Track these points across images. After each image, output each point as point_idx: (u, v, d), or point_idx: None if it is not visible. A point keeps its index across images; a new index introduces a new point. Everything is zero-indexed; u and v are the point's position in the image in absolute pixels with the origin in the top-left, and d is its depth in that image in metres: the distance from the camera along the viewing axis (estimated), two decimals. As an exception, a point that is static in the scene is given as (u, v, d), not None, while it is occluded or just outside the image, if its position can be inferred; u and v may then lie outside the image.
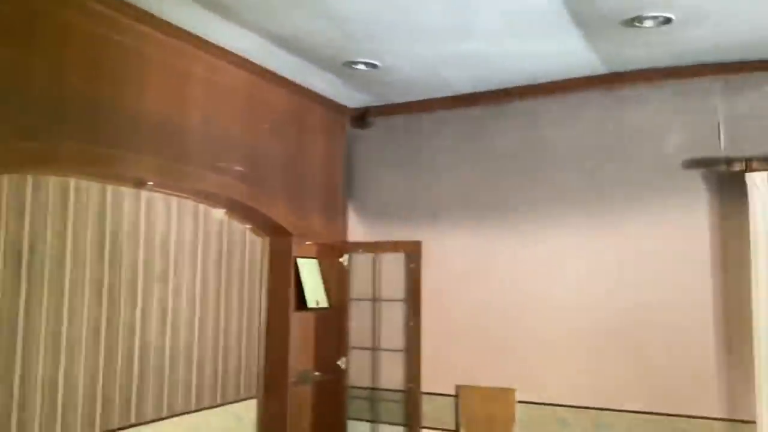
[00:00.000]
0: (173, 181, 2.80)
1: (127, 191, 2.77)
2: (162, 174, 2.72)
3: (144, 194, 2.85)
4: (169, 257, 2.96)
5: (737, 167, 2.98)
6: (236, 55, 3.01)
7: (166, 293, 2.95)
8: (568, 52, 2.96)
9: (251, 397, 3.35)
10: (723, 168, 3.01)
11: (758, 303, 2.89)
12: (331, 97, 3.59)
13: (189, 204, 3.07)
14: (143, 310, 2.84)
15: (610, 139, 3.29)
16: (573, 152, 3.38)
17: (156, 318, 2.89)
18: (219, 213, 3.22)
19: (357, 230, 3.80)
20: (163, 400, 2.92)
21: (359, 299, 3.84)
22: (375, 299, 3.82)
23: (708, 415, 3.00)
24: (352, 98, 3.60)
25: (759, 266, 2.89)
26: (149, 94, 2.65)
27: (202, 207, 3.14)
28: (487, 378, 3.43)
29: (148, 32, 2.65)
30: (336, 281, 3.83)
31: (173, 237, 3.00)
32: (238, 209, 3.17)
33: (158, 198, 2.91)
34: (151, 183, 2.76)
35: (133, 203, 2.78)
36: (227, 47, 2.96)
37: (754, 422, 2.90)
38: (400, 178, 3.69)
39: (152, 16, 2.59)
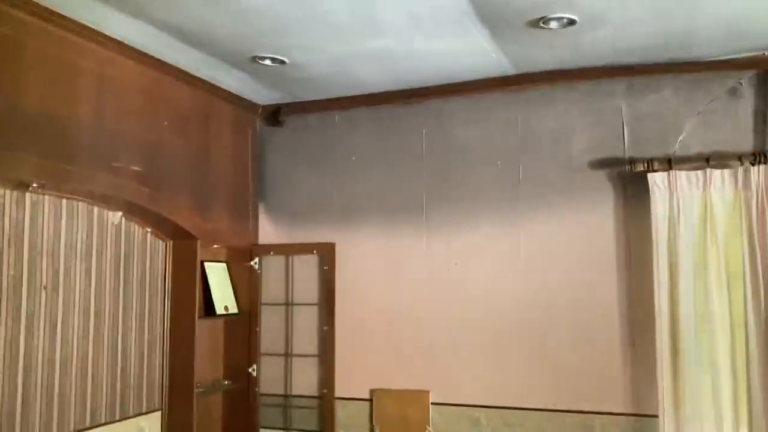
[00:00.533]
0: (61, 183, 2.61)
1: (8, 193, 2.55)
2: (47, 175, 2.54)
3: (29, 196, 2.63)
4: (59, 264, 2.77)
5: (640, 168, 3.03)
6: (132, 48, 2.85)
7: (56, 303, 2.75)
8: (476, 53, 2.93)
9: (155, 410, 3.17)
10: (626, 168, 3.06)
11: (660, 300, 2.94)
12: (240, 94, 3.46)
13: (82, 206, 2.86)
14: (28, 321, 2.63)
15: (519, 139, 3.27)
16: (484, 152, 3.32)
17: (44, 330, 2.70)
18: (116, 216, 3.02)
19: (269, 232, 3.66)
20: (53, 418, 2.73)
21: (271, 304, 3.71)
22: (288, 303, 3.68)
23: (613, 411, 3.04)
24: (263, 95, 3.46)
25: (660, 264, 2.97)
26: (29, 88, 2.47)
27: (96, 210, 2.94)
28: (401, 381, 3.36)
29: (27, 20, 2.46)
30: (246, 286, 3.70)
31: (63, 242, 2.80)
32: (137, 212, 3.01)
33: (46, 200, 2.71)
34: (35, 185, 2.55)
35: (15, 206, 2.58)
36: (121, 39, 2.80)
37: (657, 416, 2.94)
38: (312, 178, 3.55)
39: (32, 3, 2.43)
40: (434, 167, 3.36)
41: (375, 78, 3.17)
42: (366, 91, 3.36)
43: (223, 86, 3.30)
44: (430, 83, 3.25)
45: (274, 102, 3.55)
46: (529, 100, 3.21)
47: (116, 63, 2.78)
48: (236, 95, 3.43)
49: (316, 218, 3.53)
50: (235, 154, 3.51)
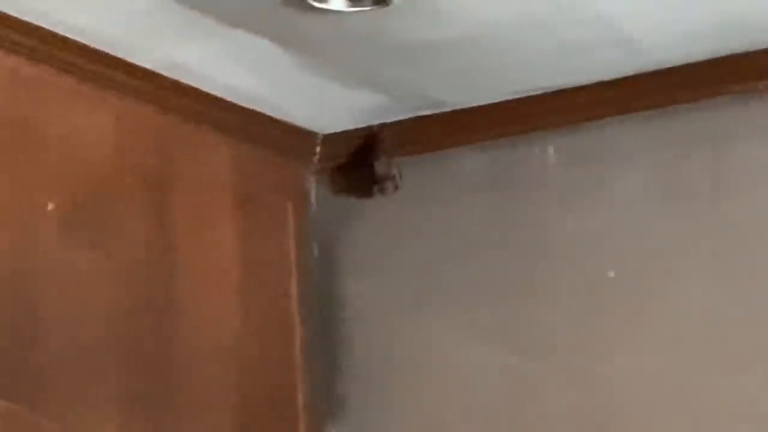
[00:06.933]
0: None
1: None
2: None
3: None
4: None
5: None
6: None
7: None
8: None
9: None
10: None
11: None
12: (251, 107, 2.08)
13: None
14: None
15: None
16: None
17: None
18: None
19: None
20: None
21: None
22: None
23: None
24: (324, 106, 2.12)
25: None
26: None
27: None
28: None
29: None
30: None
31: None
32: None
33: None
34: None
35: None
36: None
37: None
38: (491, 343, 2.07)
39: None
40: None
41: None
42: (655, 64, 1.96)
43: (200, 84, 2.00)
44: None
45: (360, 124, 2.15)
46: None
47: None
48: (240, 108, 2.08)
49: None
50: (248, 290, 2.09)
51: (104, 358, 1.81)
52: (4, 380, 1.69)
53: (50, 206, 1.79)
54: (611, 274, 1.91)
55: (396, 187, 2.06)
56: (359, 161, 2.11)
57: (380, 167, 2.06)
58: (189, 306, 1.89)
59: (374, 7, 1.56)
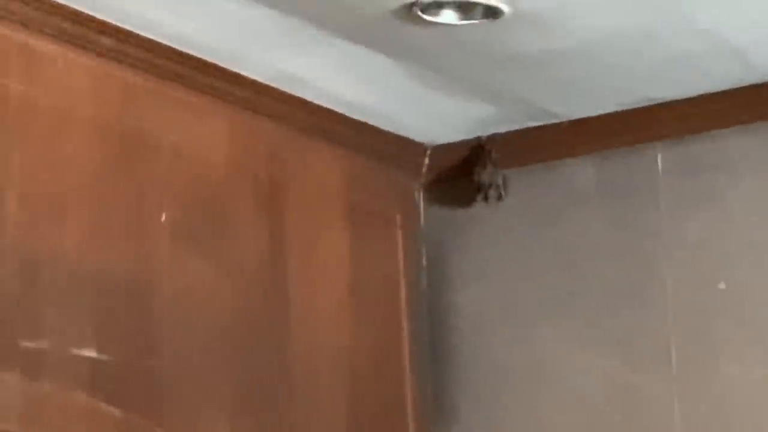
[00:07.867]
0: None
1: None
2: None
3: None
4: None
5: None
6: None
7: None
8: None
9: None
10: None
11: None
12: (364, 119, 2.16)
13: None
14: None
15: None
16: None
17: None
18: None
19: None
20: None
21: None
22: None
23: None
24: (432, 118, 2.18)
25: None
26: None
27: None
28: None
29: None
30: None
31: None
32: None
33: None
34: None
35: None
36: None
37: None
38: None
39: None
40: None
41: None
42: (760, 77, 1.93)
43: (311, 96, 2.09)
44: None
45: (469, 135, 2.20)
46: None
47: (39, 76, 1.75)
48: (350, 120, 2.19)
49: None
50: (358, 299, 2.19)
51: (218, 366, 1.83)
52: (121, 389, 1.74)
53: (164, 216, 1.79)
54: (722, 285, 1.88)
55: (500, 196, 2.08)
56: (465, 171, 2.12)
57: (484, 175, 2.08)
58: (300, 315, 1.91)
59: (485, 20, 1.55)
